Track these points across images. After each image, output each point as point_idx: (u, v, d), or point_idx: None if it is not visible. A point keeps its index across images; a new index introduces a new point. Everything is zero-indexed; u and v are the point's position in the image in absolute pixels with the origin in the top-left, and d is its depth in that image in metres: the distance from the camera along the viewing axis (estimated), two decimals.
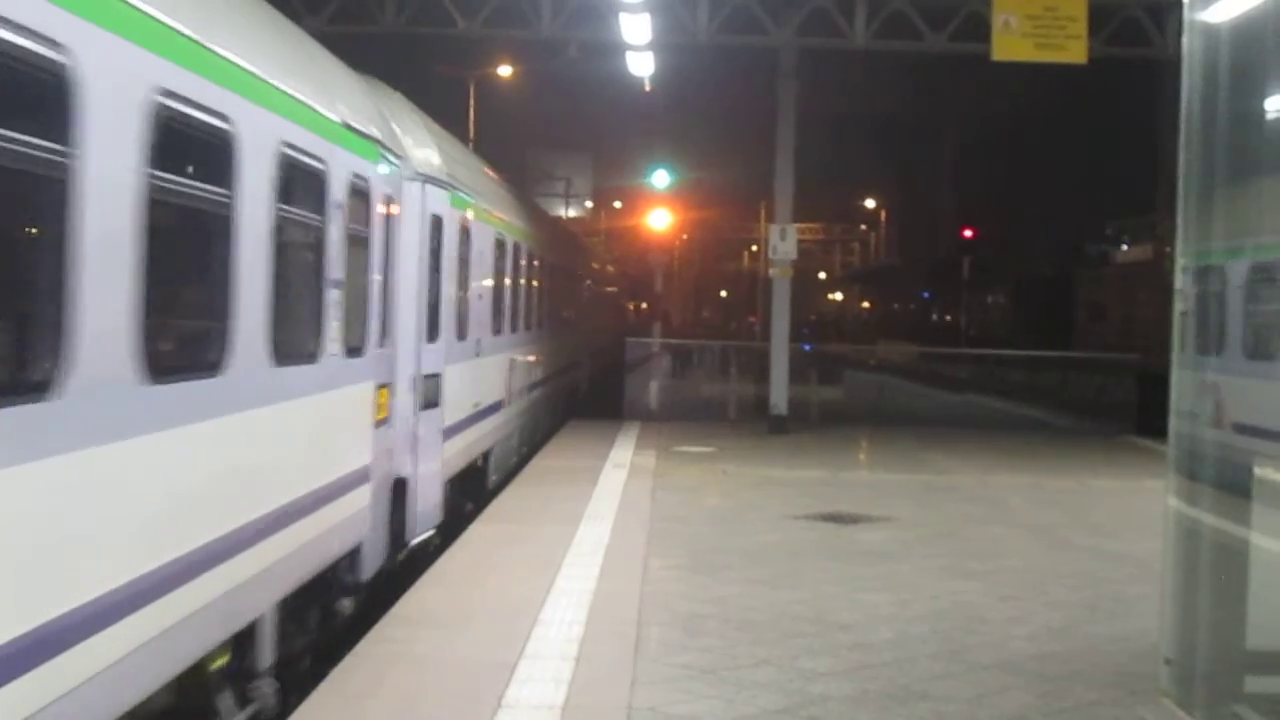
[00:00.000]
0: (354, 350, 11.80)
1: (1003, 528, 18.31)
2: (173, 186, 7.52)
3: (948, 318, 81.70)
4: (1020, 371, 43.26)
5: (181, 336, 8.17)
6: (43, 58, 6.00)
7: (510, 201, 24.37)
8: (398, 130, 14.33)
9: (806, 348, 42.39)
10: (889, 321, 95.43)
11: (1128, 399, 33.33)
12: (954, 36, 28.60)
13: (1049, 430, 33.45)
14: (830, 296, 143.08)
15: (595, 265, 48.34)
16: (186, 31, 7.70)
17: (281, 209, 9.51)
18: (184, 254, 8.27)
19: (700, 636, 11.72)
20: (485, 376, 19.45)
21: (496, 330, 20.53)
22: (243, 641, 9.32)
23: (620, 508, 18.62)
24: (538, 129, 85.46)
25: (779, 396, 30.86)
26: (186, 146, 7.81)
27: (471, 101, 56.76)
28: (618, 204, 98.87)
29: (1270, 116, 9.53)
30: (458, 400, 16.73)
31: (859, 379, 42.18)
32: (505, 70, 59.09)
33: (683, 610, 12.69)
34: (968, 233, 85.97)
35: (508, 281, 21.79)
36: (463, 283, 17.28)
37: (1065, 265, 70.27)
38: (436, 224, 15.31)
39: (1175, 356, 10.29)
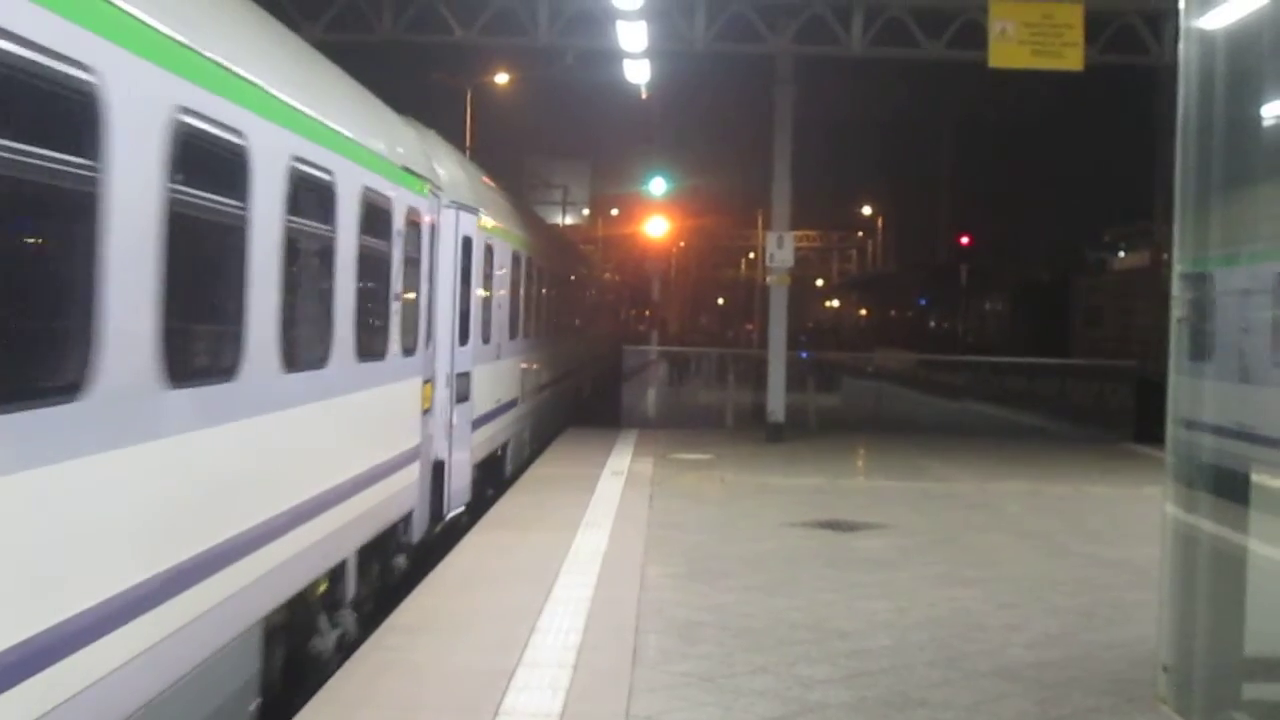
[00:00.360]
0: (409, 350, 14.33)
1: (1001, 535, 18.31)
2: (302, 228, 10.35)
3: (945, 325, 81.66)
4: (1018, 378, 43.22)
5: (307, 340, 10.63)
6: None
7: (521, 218, 26.48)
8: (436, 165, 16.53)
9: (804, 355, 42.35)
10: (886, 329, 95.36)
11: (1125, 406, 33.33)
12: (951, 44, 28.60)
13: (1047, 437, 33.46)
14: (828, 304, 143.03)
15: (593, 274, 49.82)
16: (312, 114, 10.61)
17: (365, 240, 12.13)
18: (311, 279, 10.93)
19: (698, 644, 11.71)
20: (504, 376, 21.82)
21: (512, 335, 22.67)
22: (335, 577, 11.91)
23: (618, 515, 18.62)
24: (535, 136, 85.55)
25: (776, 404, 30.86)
26: (307, 197, 10.47)
27: (469, 109, 56.80)
28: (615, 211, 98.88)
29: (1267, 123, 9.54)
30: (483, 396, 19.13)
31: (856, 386, 42.16)
32: (502, 78, 59.16)
33: (680, 618, 12.68)
34: (965, 240, 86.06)
35: (521, 292, 23.84)
36: (486, 293, 19.56)
37: (1063, 272, 70.28)
38: (466, 244, 17.60)
39: (1172, 363, 10.29)
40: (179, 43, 7.69)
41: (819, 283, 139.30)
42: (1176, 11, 10.20)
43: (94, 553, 6.77)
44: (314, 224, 10.71)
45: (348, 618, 12.28)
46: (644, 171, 75.25)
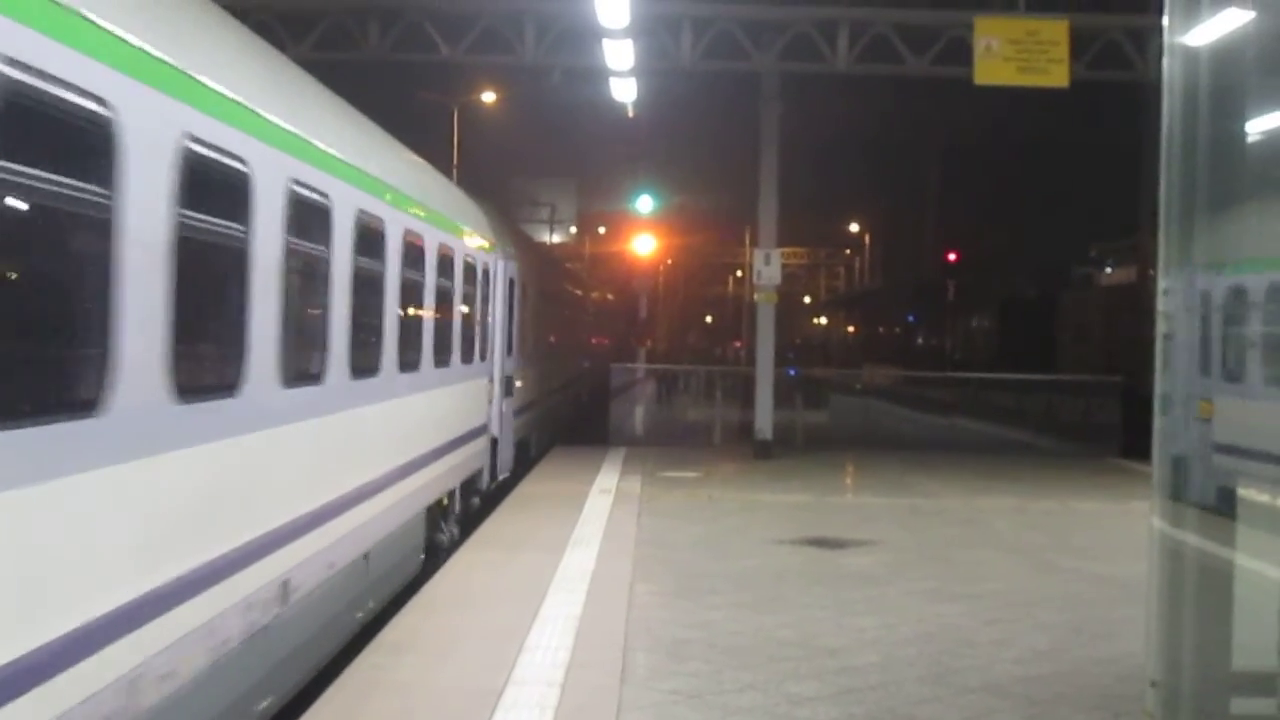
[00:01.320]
0: (483, 357, 20.85)
1: (988, 551, 18.33)
2: (446, 284, 17.20)
3: (933, 341, 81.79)
4: (1005, 394, 43.28)
5: (440, 349, 16.81)
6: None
7: (536, 257, 32.93)
8: (491, 226, 22.51)
9: (792, 372, 42.39)
10: (874, 345, 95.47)
11: (1112, 421, 33.38)
12: (936, 60, 28.68)
13: (1034, 453, 33.51)
14: (815, 321, 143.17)
15: (587, 297, 52.76)
16: (443, 211, 17.68)
17: (467, 286, 19.07)
18: (446, 312, 17.32)
19: (686, 661, 11.71)
20: (530, 381, 27.60)
21: (535, 350, 28.84)
22: (448, 498, 18.44)
23: (606, 533, 18.62)
24: (522, 154, 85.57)
25: (764, 421, 30.88)
26: (447, 269, 17.35)
27: (455, 127, 56.83)
28: (602, 229, 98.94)
29: (1250, 139, 9.57)
30: (519, 394, 25.26)
31: (844, 403, 42.21)
32: (489, 96, 59.20)
33: (668, 635, 12.68)
34: (952, 256, 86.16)
35: (537, 316, 29.35)
36: (520, 318, 25.28)
37: (1049, 288, 70.38)
38: (510, 283, 23.58)
39: (1158, 378, 10.30)
40: (397, 188, 14.50)
41: (807, 300, 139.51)
42: (1161, 28, 10.23)
43: (381, 448, 13.79)
44: (447, 280, 17.23)
45: (454, 525, 18.83)
46: (631, 189, 75.35)
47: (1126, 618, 13.33)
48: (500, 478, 22.70)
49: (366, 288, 12.59)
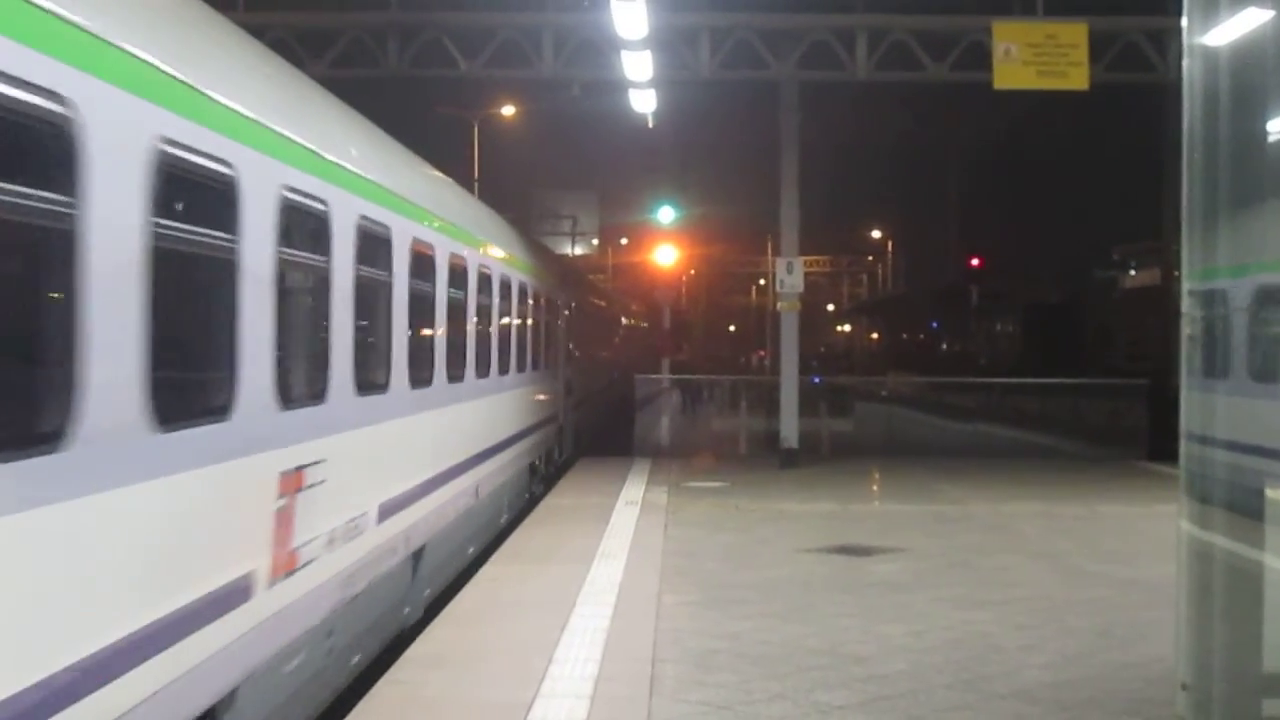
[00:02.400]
0: (552, 363, 27.51)
1: (1015, 556, 18.27)
2: (538, 315, 24.96)
3: (957, 347, 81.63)
4: (1030, 399, 43.18)
5: (534, 358, 24.00)
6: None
7: (582, 283, 39.98)
8: (554, 269, 30.54)
9: (816, 380, 42.35)
10: (898, 352, 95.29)
11: (1138, 424, 33.26)
12: (955, 66, 28.66)
13: (1060, 457, 33.41)
14: (839, 328, 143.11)
15: (614, 312, 56.16)
16: (519, 254, 24.05)
17: (548, 315, 26.23)
18: (539, 332, 25.08)
19: (715, 672, 11.69)
20: (580, 385, 33.76)
21: (583, 360, 35.11)
22: (535, 465, 24.97)
23: (633, 545, 18.60)
24: (543, 167, 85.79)
25: (789, 430, 30.84)
26: (508, 293, 21.26)
27: (475, 141, 56.93)
28: (624, 240, 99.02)
29: (1272, 139, 9.53)
30: (575, 392, 32.06)
31: (869, 411, 42.16)
32: (508, 110, 59.30)
33: (696, 646, 12.66)
34: (975, 261, 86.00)
35: (583, 333, 35.65)
36: (572, 335, 31.86)
37: (1073, 291, 70.21)
38: (570, 308, 30.97)
39: (1184, 379, 10.27)
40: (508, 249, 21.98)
41: (830, 307, 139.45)
42: (1180, 29, 10.21)
43: (510, 422, 21.55)
44: (537, 310, 24.40)
45: (538, 486, 25.38)
46: (652, 200, 75.43)
47: (1155, 621, 13.27)
48: (563, 457, 29.92)
49: (502, 321, 20.70)
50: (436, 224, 15.43)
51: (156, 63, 7.39)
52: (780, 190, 31.22)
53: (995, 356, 70.15)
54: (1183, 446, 10.24)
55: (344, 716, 10.44)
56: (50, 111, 6.30)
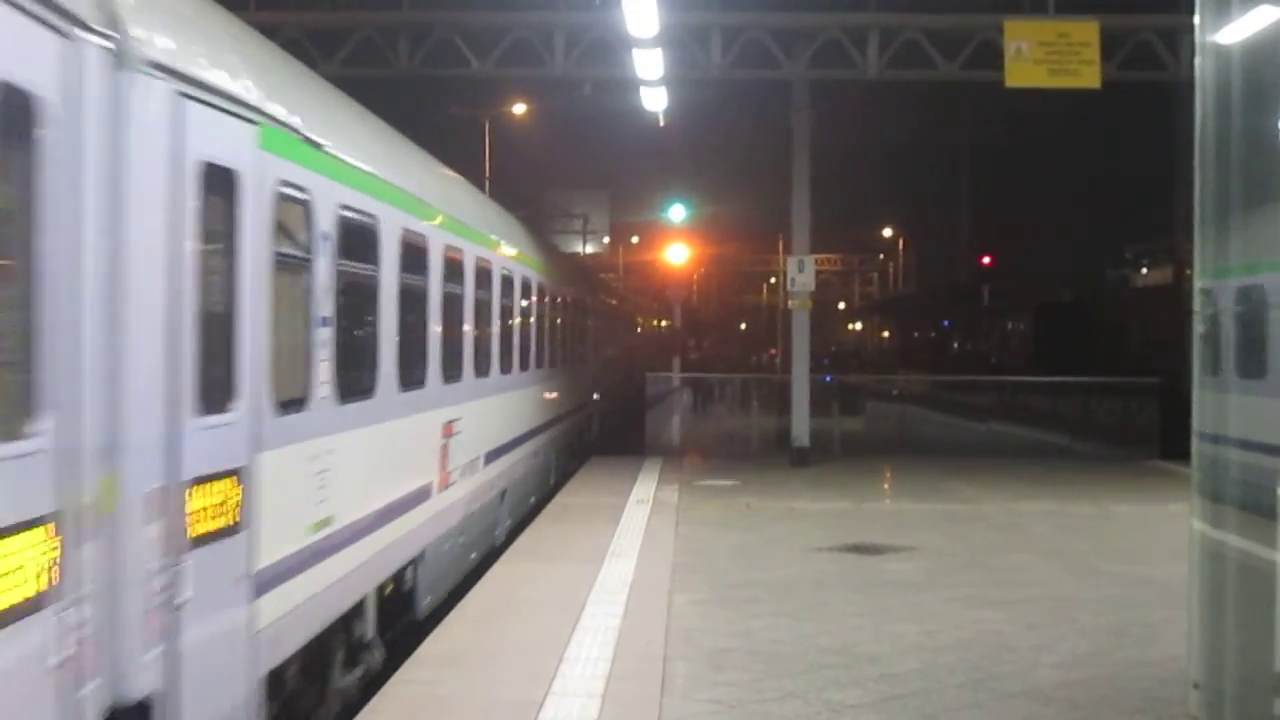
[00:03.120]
0: (582, 358, 31.58)
1: (1028, 555, 18.26)
2: (578, 320, 31.02)
3: (968, 346, 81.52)
4: (1042, 398, 43.09)
5: (564, 357, 27.95)
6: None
7: (601, 288, 43.59)
8: (586, 280, 35.82)
9: (827, 379, 42.32)
10: (909, 351, 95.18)
11: (1151, 423, 33.21)
12: (967, 65, 28.63)
13: (1072, 456, 33.38)
14: (850, 327, 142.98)
15: (629, 313, 59.14)
16: (561, 271, 29.88)
17: (597, 321, 36.34)
18: (577, 334, 30.99)
19: (726, 671, 11.69)
20: (607, 375, 38.79)
21: (605, 357, 39.39)
22: (575, 439, 30.57)
23: (644, 544, 18.61)
24: (554, 166, 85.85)
25: (800, 428, 30.83)
26: (576, 308, 30.56)
27: (486, 141, 56.95)
28: (635, 239, 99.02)
29: None
30: (601, 382, 36.41)
31: (880, 409, 42.14)
32: (520, 109, 59.30)
33: (708, 645, 12.66)
34: (986, 260, 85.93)
35: (604, 333, 39.45)
36: (597, 336, 36.40)
37: (1085, 290, 70.09)
38: (600, 312, 36.11)
39: (1196, 378, 10.26)
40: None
41: (841, 306, 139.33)
42: (1192, 27, 10.19)
43: (560, 402, 27.08)
44: (579, 316, 29.52)
45: (577, 458, 29.84)
46: (663, 199, 75.41)
47: (1167, 620, 13.27)
48: (593, 437, 34.39)
49: (560, 325, 26.94)
50: (525, 260, 22.08)
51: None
52: (792, 189, 31.20)
53: (1007, 355, 70.04)
54: (1195, 445, 10.23)
55: (358, 713, 10.44)
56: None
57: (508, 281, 19.90)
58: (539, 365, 23.47)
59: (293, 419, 9.52)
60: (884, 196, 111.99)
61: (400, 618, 13.46)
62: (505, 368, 19.50)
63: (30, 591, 6.02)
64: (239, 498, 8.30)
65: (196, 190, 7.77)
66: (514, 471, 20.40)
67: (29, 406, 6.12)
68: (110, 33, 6.83)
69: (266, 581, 8.82)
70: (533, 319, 22.97)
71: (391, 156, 13.47)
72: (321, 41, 28.18)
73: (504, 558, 17.61)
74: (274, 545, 8.98)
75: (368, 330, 11.73)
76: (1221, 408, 9.86)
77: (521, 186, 66.85)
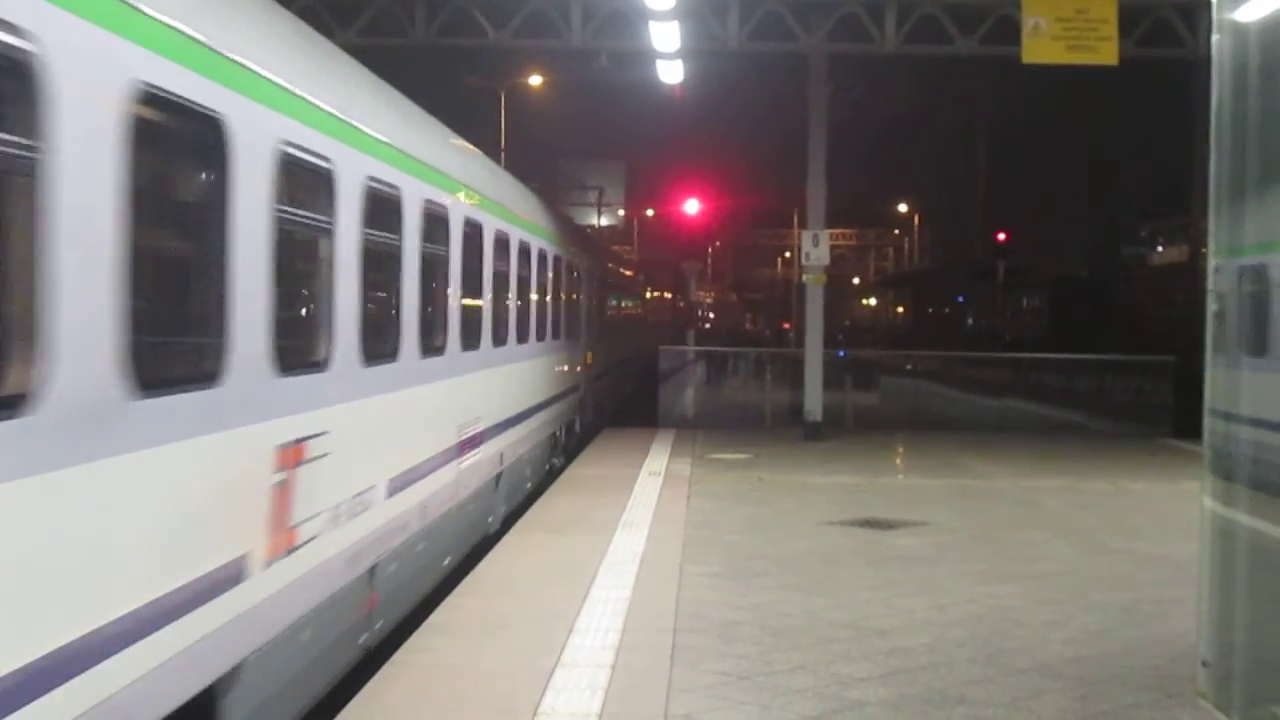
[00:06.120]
0: (592, 330, 31.76)
1: (1040, 532, 18.26)
2: (584, 292, 31.32)
3: (983, 322, 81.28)
4: (1056, 375, 43.00)
5: (583, 329, 29.76)
6: None
7: (615, 260, 45.82)
8: (609, 257, 40.23)
9: (841, 354, 42.25)
10: (923, 326, 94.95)
11: (1165, 401, 33.15)
12: (984, 40, 28.51)
13: (1086, 433, 33.34)
14: (864, 302, 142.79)
15: (643, 286, 60.19)
16: (583, 248, 32.01)
17: (591, 289, 32.47)
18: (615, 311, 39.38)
19: (736, 643, 11.71)
20: (622, 343, 41.52)
21: (614, 328, 39.68)
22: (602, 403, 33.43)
23: (655, 516, 18.63)
24: (569, 138, 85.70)
25: (814, 403, 30.84)
26: (582, 278, 30.16)
27: (503, 112, 56.88)
28: (650, 212, 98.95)
29: None
30: (602, 360, 35.05)
31: (894, 384, 42.11)
32: (536, 80, 59.21)
33: (718, 617, 12.68)
34: (1002, 236, 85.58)
35: (610, 303, 39.47)
36: (606, 306, 37.25)
37: (1101, 267, 69.87)
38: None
39: (1209, 356, 10.26)
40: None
41: (856, 281, 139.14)
42: (1210, 4, 10.16)
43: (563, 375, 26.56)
44: (628, 298, 41.51)
45: (601, 421, 31.33)
46: (679, 171, 75.34)
47: (1178, 598, 13.26)
48: (615, 406, 37.46)
49: (572, 298, 27.69)
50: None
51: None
52: (807, 163, 31.14)
53: (1021, 332, 69.87)
54: (1206, 423, 10.23)
55: (365, 684, 10.47)
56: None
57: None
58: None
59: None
60: (900, 171, 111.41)
61: None
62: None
63: None
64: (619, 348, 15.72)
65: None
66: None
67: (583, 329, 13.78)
68: None
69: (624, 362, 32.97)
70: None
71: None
72: (338, 10, 28.10)
73: (515, 528, 17.64)
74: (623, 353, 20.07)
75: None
76: (1234, 386, 9.86)
77: (536, 157, 66.79)
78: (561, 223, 29.39)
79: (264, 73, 8.62)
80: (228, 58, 7.96)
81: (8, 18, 5.57)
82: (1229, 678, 9.64)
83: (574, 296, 28.18)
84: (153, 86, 6.89)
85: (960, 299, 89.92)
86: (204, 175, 7.92)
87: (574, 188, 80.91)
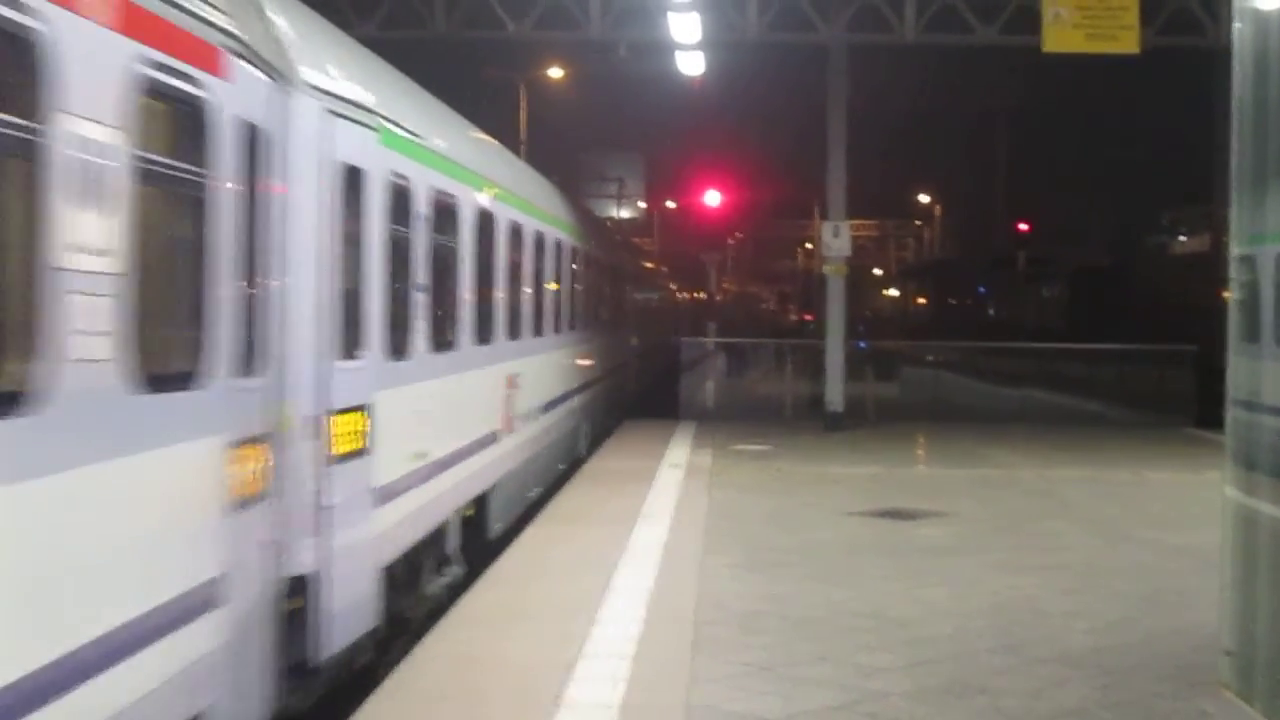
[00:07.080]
0: (620, 324, 34.71)
1: (1061, 522, 18.24)
2: (648, 296, 44.49)
3: (1004, 313, 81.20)
4: (1077, 365, 42.92)
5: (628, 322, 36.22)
6: None
7: (638, 256, 48.10)
8: (639, 254, 46.95)
9: (861, 345, 42.25)
10: (944, 317, 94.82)
11: (1186, 390, 33.05)
12: (1004, 29, 28.49)
13: (1107, 423, 33.27)
14: (885, 293, 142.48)
15: (666, 282, 62.57)
16: (623, 252, 39.10)
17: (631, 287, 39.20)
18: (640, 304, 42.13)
19: (758, 634, 11.72)
20: (649, 331, 43.29)
21: (639, 322, 41.12)
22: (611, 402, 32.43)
23: (677, 507, 18.65)
24: (589, 130, 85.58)
25: (834, 393, 30.82)
26: (627, 278, 37.48)
27: (522, 104, 56.84)
28: (670, 204, 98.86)
29: None
30: (636, 347, 39.08)
31: (915, 375, 42.07)
32: (556, 72, 59.16)
33: (740, 608, 12.69)
34: (1023, 226, 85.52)
35: (644, 298, 43.92)
36: (642, 306, 42.91)
37: (1122, 257, 69.69)
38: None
39: (1231, 345, 10.23)
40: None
41: (877, 271, 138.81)
42: None
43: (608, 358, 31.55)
44: (652, 293, 46.77)
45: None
46: (699, 163, 75.32)
47: (1201, 588, 13.23)
48: (643, 385, 39.01)
49: (602, 292, 29.73)
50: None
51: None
52: (828, 154, 31.10)
53: (1043, 321, 69.72)
54: (1229, 413, 10.21)
55: (390, 673, 10.52)
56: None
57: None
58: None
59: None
60: (920, 162, 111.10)
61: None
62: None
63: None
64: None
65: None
66: (636, 362, 30.03)
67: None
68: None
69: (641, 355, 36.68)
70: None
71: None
72: (358, 3, 28.18)
73: (537, 520, 17.69)
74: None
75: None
76: (1256, 375, 9.83)
77: (556, 149, 66.79)
78: (599, 227, 34.93)
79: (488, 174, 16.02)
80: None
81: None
82: (1251, 667, 9.62)
83: (620, 294, 34.26)
84: (441, 192, 13.04)
85: (981, 289, 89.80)
86: (469, 234, 14.50)
87: (594, 179, 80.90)
